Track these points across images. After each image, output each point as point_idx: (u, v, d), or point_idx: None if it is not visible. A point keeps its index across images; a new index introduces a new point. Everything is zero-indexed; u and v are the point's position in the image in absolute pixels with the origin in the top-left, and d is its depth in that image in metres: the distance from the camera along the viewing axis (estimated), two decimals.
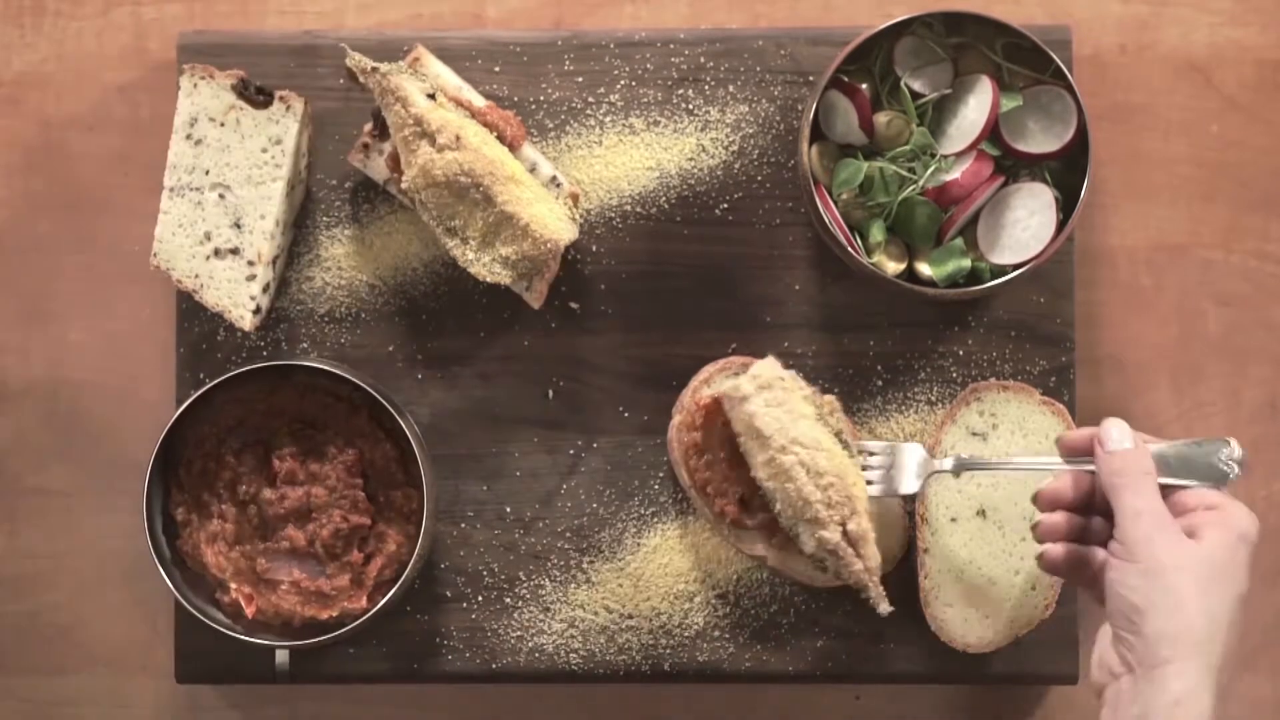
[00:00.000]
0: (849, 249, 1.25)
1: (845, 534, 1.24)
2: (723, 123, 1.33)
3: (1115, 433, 1.14)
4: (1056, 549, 1.17)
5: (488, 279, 1.29)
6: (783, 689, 1.35)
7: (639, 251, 1.33)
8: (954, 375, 1.33)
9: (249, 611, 1.27)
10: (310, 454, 1.28)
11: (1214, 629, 1.06)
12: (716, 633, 1.32)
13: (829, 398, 1.27)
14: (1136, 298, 1.35)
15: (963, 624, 1.28)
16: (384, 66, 1.26)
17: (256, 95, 1.28)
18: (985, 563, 1.28)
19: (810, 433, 1.24)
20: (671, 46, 1.33)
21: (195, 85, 1.28)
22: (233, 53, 1.32)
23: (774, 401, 1.24)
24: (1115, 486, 1.12)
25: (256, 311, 1.28)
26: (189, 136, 1.28)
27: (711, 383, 1.29)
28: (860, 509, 1.24)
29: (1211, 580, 1.08)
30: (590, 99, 1.33)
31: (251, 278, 1.27)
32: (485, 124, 1.26)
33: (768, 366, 1.26)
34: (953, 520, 1.29)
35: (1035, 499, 1.18)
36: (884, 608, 1.26)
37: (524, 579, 1.32)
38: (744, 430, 1.25)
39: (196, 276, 1.28)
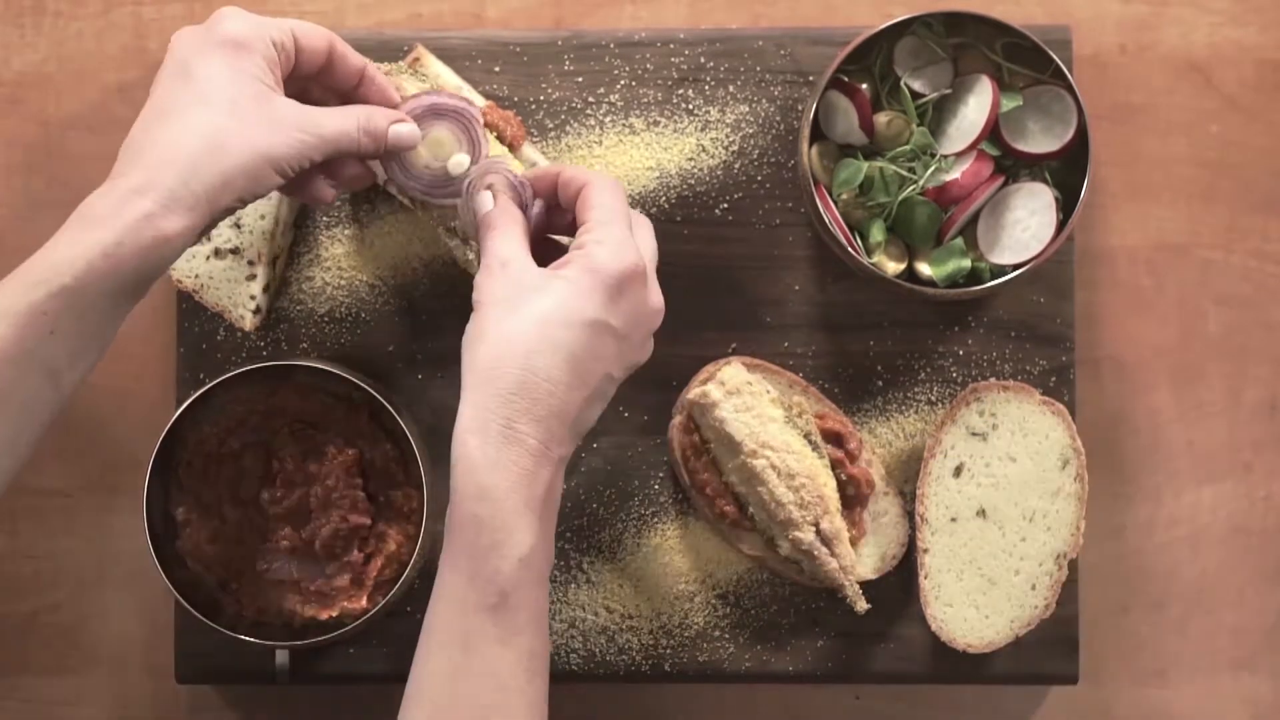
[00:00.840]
0: (849, 249, 1.25)
1: (819, 533, 1.25)
2: (723, 123, 1.33)
3: (478, 203, 1.17)
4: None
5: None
6: (783, 689, 1.35)
7: None
8: (954, 375, 1.33)
9: (249, 611, 1.27)
10: (310, 454, 1.28)
11: (506, 355, 1.08)
12: (716, 633, 1.32)
13: (797, 399, 1.27)
14: (1136, 298, 1.35)
15: (963, 624, 1.28)
16: (384, 67, 1.26)
17: None
18: (985, 563, 1.28)
19: (780, 436, 1.25)
20: (671, 46, 1.33)
21: None
22: None
23: (742, 407, 1.25)
24: (479, 252, 1.15)
25: (256, 311, 1.28)
26: None
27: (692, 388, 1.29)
28: (833, 509, 1.25)
29: (528, 309, 1.09)
30: (590, 99, 1.33)
31: (251, 278, 1.27)
32: (485, 124, 1.26)
33: (734, 372, 1.26)
34: (953, 520, 1.29)
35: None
36: (861, 606, 1.27)
37: None
38: (714, 436, 1.26)
39: (196, 276, 1.28)
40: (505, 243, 1.14)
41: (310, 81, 1.20)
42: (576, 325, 1.09)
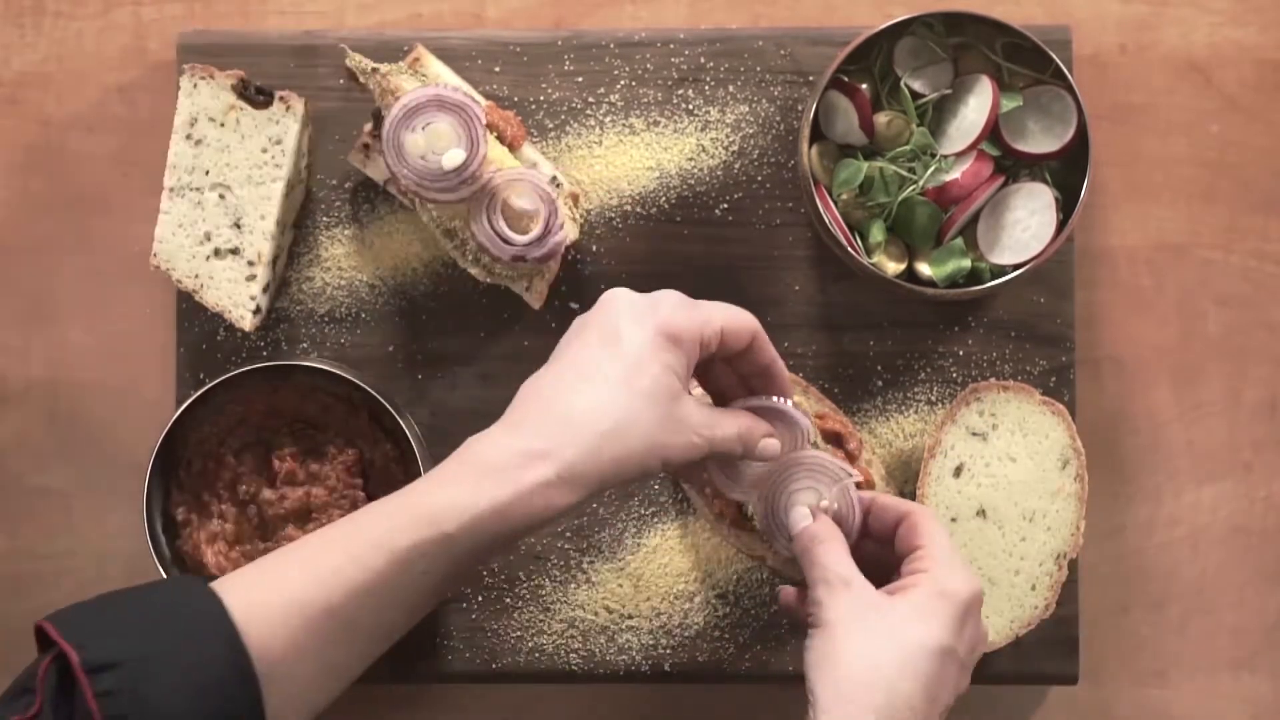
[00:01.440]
0: (849, 249, 1.25)
1: None
2: (723, 123, 1.33)
3: (794, 516, 1.16)
4: (790, 591, 1.19)
5: (488, 280, 1.29)
6: (783, 689, 1.35)
7: (639, 251, 1.33)
8: (954, 375, 1.33)
9: None
10: (310, 454, 1.28)
11: (872, 678, 1.07)
12: (716, 633, 1.32)
13: (798, 399, 1.28)
14: (1136, 298, 1.35)
15: None
16: (384, 67, 1.26)
17: (256, 95, 1.28)
18: (985, 563, 1.28)
19: None
20: (671, 46, 1.33)
21: (195, 85, 1.28)
22: (233, 53, 1.32)
23: None
24: (805, 563, 1.14)
25: (256, 311, 1.28)
26: (189, 136, 1.28)
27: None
28: None
29: (882, 632, 1.08)
30: (590, 99, 1.33)
31: (251, 278, 1.27)
32: (486, 124, 1.26)
33: None
34: (953, 520, 1.29)
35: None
36: None
37: (524, 579, 1.32)
38: None
39: (196, 276, 1.28)
40: (841, 560, 1.13)
41: (719, 362, 1.17)
42: (934, 651, 1.08)
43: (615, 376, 1.07)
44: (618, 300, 1.11)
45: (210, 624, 1.03)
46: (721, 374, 1.16)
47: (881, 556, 1.17)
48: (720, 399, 1.18)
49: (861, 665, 1.08)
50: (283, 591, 1.04)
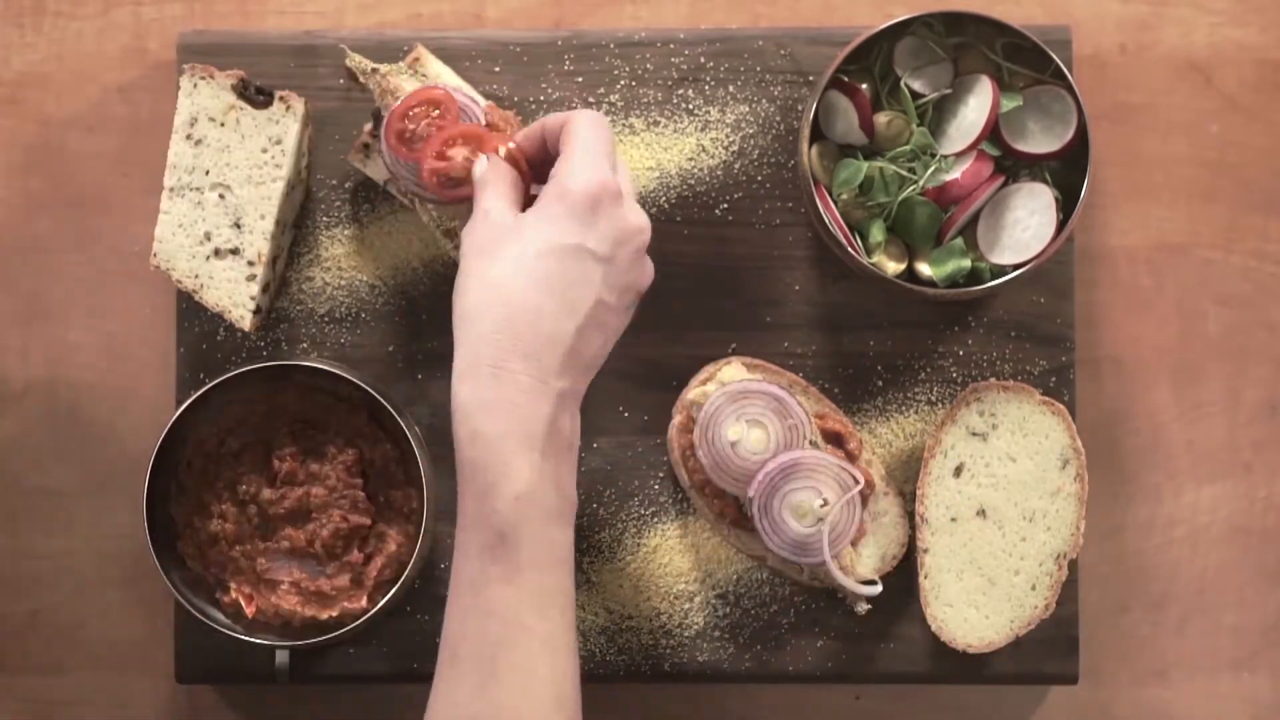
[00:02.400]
0: (849, 249, 1.25)
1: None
2: (723, 123, 1.33)
3: (475, 166, 1.16)
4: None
5: None
6: (783, 689, 1.35)
7: None
8: (954, 375, 1.33)
9: (249, 611, 1.27)
10: (310, 454, 1.28)
11: (487, 298, 1.08)
12: (716, 633, 1.32)
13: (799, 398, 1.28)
14: (1136, 298, 1.35)
15: (963, 624, 1.28)
16: (384, 67, 1.26)
17: (256, 95, 1.28)
18: (985, 563, 1.28)
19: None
20: (671, 46, 1.33)
21: (195, 85, 1.28)
22: (233, 53, 1.32)
23: None
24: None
25: (256, 311, 1.28)
26: (189, 136, 1.28)
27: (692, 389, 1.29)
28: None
29: (503, 250, 1.09)
30: (590, 99, 1.33)
31: (251, 278, 1.27)
32: (486, 124, 1.26)
33: (734, 372, 1.26)
34: (953, 520, 1.29)
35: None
36: (861, 607, 1.27)
37: None
38: None
39: (196, 276, 1.28)
40: (490, 197, 1.14)
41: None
42: (551, 253, 1.09)
43: None
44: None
45: None
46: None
47: None
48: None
49: (480, 288, 1.09)
50: None
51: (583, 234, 1.09)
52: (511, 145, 1.18)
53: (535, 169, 1.18)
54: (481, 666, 1.06)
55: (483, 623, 1.07)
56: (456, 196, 1.21)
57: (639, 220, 1.13)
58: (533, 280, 1.08)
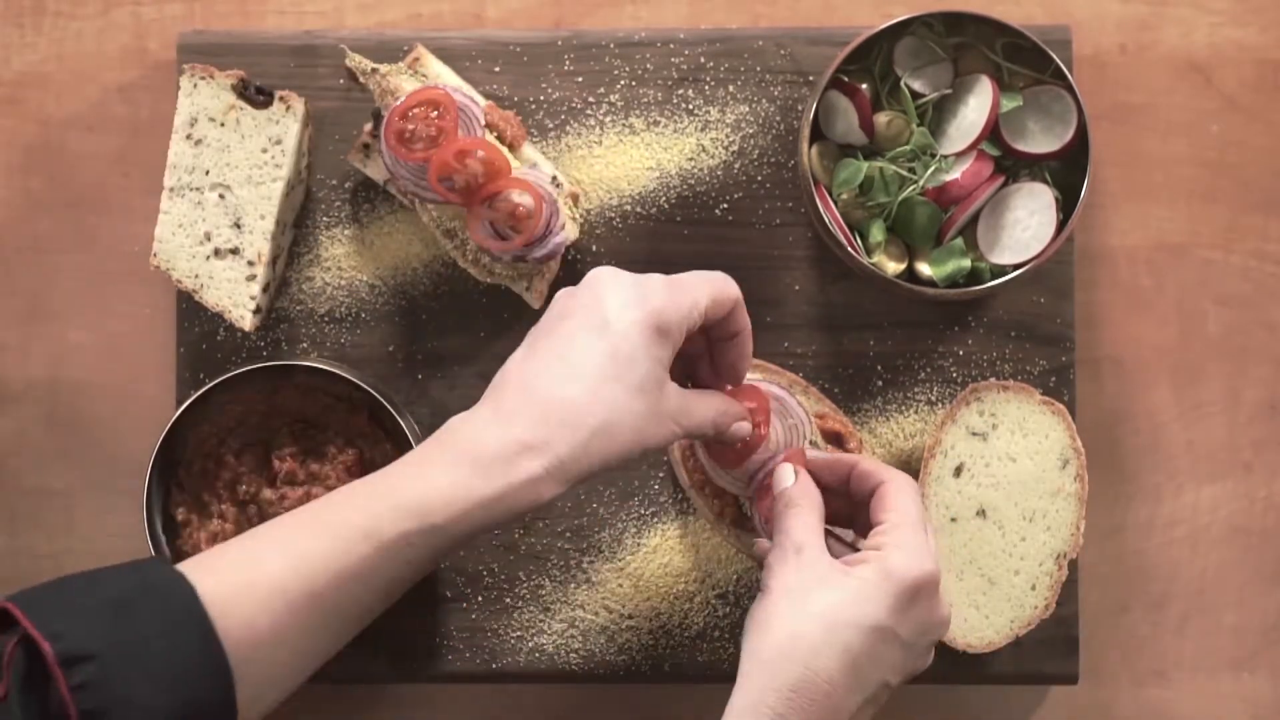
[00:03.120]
0: (849, 249, 1.25)
1: None
2: (723, 123, 1.33)
3: (779, 475, 1.16)
4: (764, 544, 1.20)
5: (488, 280, 1.29)
6: None
7: (639, 251, 1.33)
8: (954, 375, 1.33)
9: None
10: (310, 454, 1.28)
11: (791, 650, 1.06)
12: (716, 633, 1.32)
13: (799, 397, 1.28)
14: (1136, 298, 1.35)
15: (963, 624, 1.28)
16: (384, 67, 1.26)
17: (256, 95, 1.28)
18: (985, 563, 1.28)
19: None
20: (671, 46, 1.33)
21: (195, 85, 1.28)
22: (233, 53, 1.32)
23: None
24: (774, 527, 1.14)
25: (256, 311, 1.28)
26: (189, 136, 1.28)
27: None
28: None
29: (817, 604, 1.07)
30: (590, 99, 1.33)
31: (251, 278, 1.27)
32: (486, 124, 1.26)
33: None
34: (953, 520, 1.29)
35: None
36: None
37: (524, 579, 1.32)
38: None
39: (196, 276, 1.28)
40: (802, 528, 1.12)
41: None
42: (865, 629, 1.07)
43: (606, 371, 1.06)
44: (604, 283, 1.09)
45: (183, 612, 1.02)
46: (693, 340, 1.15)
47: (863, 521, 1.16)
48: (687, 362, 1.17)
49: (786, 636, 1.07)
50: (261, 576, 1.04)
51: (897, 619, 1.08)
52: (803, 467, 1.17)
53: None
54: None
55: None
56: (458, 199, 1.21)
57: (946, 614, 1.13)
58: (839, 651, 1.06)
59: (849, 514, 1.18)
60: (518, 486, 1.05)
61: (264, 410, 1.29)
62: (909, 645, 1.10)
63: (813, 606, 1.07)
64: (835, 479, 1.18)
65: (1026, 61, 1.27)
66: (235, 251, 1.27)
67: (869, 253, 1.26)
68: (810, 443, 1.25)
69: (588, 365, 1.06)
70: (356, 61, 1.27)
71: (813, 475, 1.17)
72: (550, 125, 1.33)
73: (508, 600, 1.32)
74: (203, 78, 1.27)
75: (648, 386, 1.07)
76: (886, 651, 1.08)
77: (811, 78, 1.33)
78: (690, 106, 1.33)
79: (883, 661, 1.08)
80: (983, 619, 1.28)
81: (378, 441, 1.28)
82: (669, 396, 1.09)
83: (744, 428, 1.15)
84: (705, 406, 1.12)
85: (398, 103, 1.23)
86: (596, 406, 1.06)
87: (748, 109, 1.33)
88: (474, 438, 1.06)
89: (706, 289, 1.11)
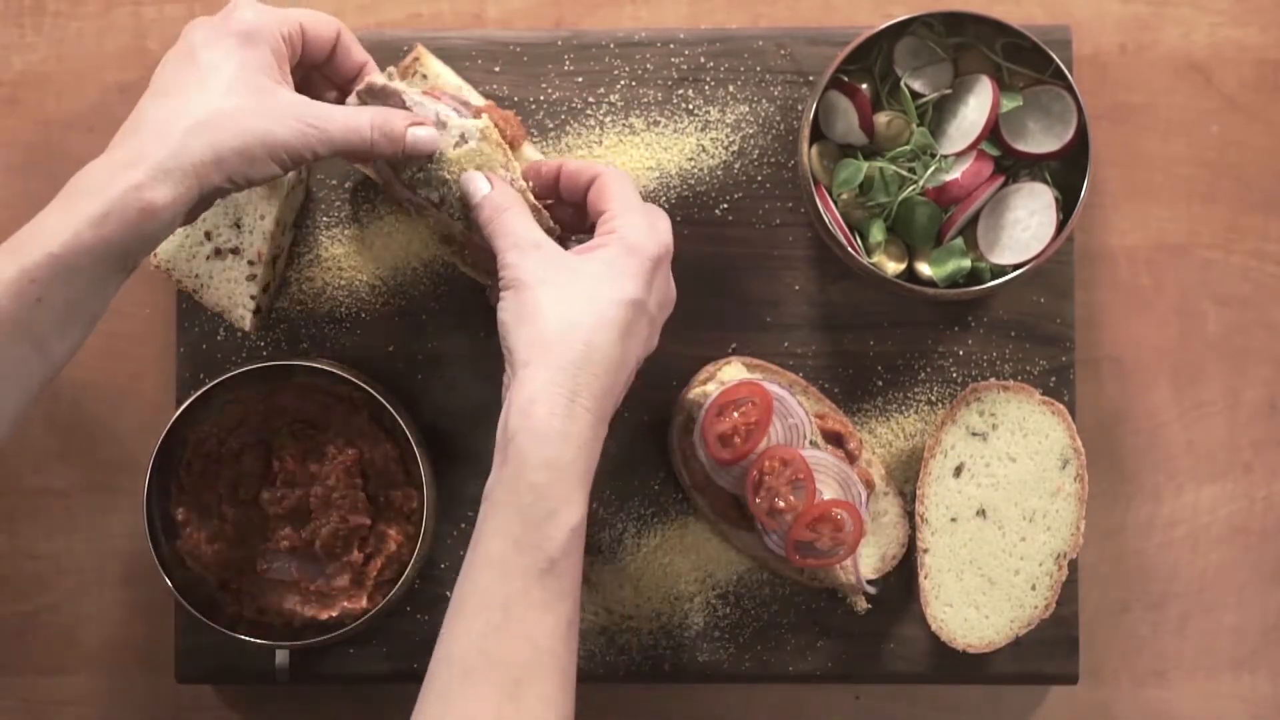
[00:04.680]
0: (849, 249, 1.25)
1: None
2: (723, 123, 1.33)
3: (471, 187, 1.18)
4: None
5: (488, 283, 1.29)
6: (783, 689, 1.35)
7: None
8: (954, 375, 1.33)
9: (249, 611, 1.27)
10: (310, 454, 1.28)
11: (568, 331, 1.10)
12: (716, 633, 1.32)
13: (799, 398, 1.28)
14: (1136, 298, 1.35)
15: (963, 624, 1.28)
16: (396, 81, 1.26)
17: None
18: (985, 563, 1.28)
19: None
20: (671, 46, 1.33)
21: None
22: None
23: None
24: (491, 233, 1.16)
25: (257, 312, 1.28)
26: None
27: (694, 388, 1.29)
28: None
29: (575, 288, 1.12)
30: (590, 99, 1.33)
31: (252, 278, 1.27)
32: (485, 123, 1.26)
33: (734, 372, 1.27)
34: (953, 520, 1.29)
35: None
36: (861, 606, 1.27)
37: None
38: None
39: (196, 276, 1.28)
40: (526, 224, 1.16)
41: (314, 72, 1.22)
42: (625, 304, 1.12)
43: (196, 83, 1.12)
44: (192, 25, 1.16)
45: None
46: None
47: (576, 222, 1.21)
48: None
49: (558, 320, 1.11)
50: None
51: (645, 293, 1.14)
52: (518, 175, 1.20)
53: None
54: (503, 689, 1.06)
55: (511, 645, 1.07)
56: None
57: (674, 292, 1.19)
58: (609, 326, 1.12)
59: (567, 217, 1.22)
60: (120, 197, 1.08)
61: (264, 410, 1.29)
62: (654, 320, 1.16)
63: (576, 289, 1.12)
64: (545, 186, 1.22)
65: (1026, 61, 1.27)
66: (235, 251, 1.27)
67: (869, 253, 1.26)
68: (810, 443, 1.25)
69: (176, 83, 1.13)
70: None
71: (537, 187, 1.21)
72: (550, 125, 1.33)
73: None
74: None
75: (242, 87, 1.12)
76: (642, 325, 1.14)
77: (811, 78, 1.33)
78: (690, 106, 1.33)
79: (639, 334, 1.14)
80: (983, 619, 1.28)
81: (378, 441, 1.28)
82: (284, 96, 1.14)
83: (425, 134, 1.18)
84: (354, 113, 1.16)
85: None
86: (183, 111, 1.10)
87: (748, 109, 1.33)
88: (81, 177, 1.10)
89: (299, 10, 1.19)
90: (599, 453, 1.12)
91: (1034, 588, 1.28)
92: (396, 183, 1.24)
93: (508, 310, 1.13)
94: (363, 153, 1.17)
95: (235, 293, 1.27)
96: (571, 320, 1.11)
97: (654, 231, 1.15)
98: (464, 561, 1.10)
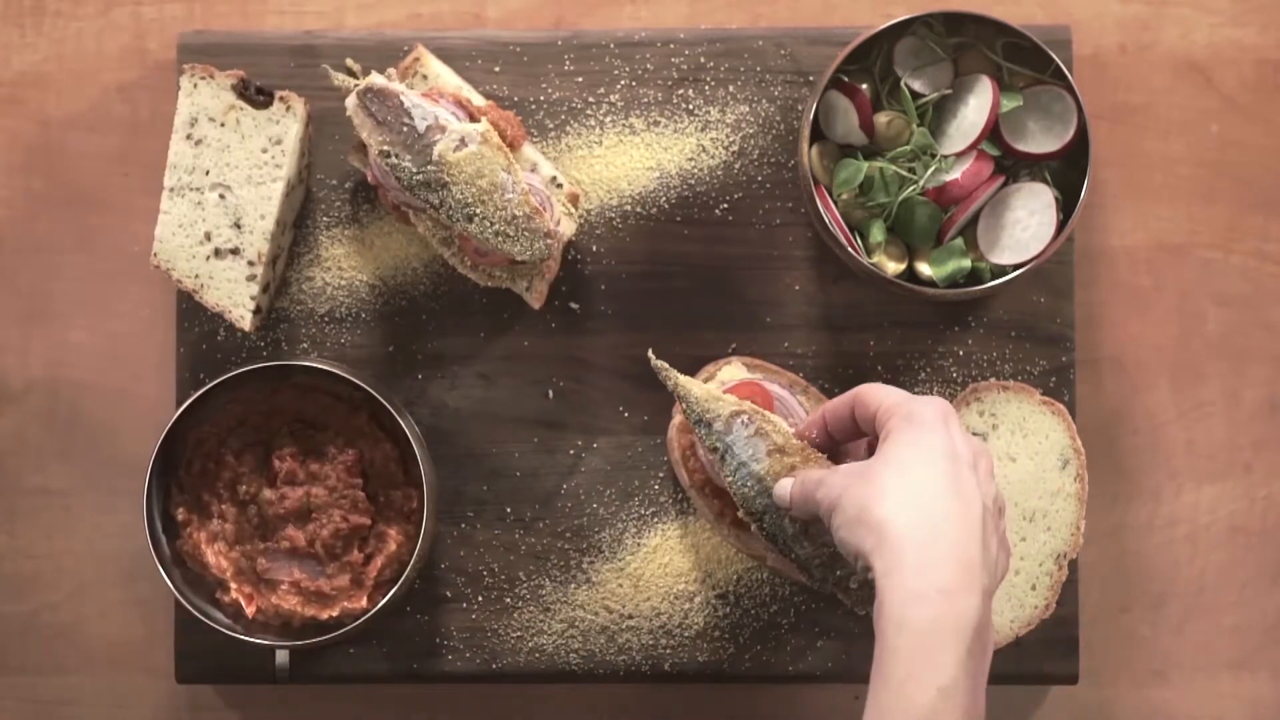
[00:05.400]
0: (849, 249, 1.25)
1: None
2: (723, 123, 1.33)
3: (777, 489, 1.16)
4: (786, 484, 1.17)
5: (487, 283, 1.29)
6: (783, 689, 1.35)
7: (639, 251, 1.33)
8: (954, 375, 1.33)
9: (249, 611, 1.27)
10: (310, 454, 1.28)
11: (910, 504, 1.05)
12: (716, 633, 1.32)
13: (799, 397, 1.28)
14: (1136, 298, 1.35)
15: None
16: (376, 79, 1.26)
17: (256, 95, 1.28)
18: None
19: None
20: (671, 46, 1.33)
21: (195, 85, 1.28)
22: (233, 53, 1.32)
23: None
24: (808, 505, 1.13)
25: (257, 311, 1.28)
26: (189, 136, 1.28)
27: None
28: None
29: (890, 472, 1.06)
30: (590, 99, 1.33)
31: (252, 278, 1.27)
32: (485, 122, 1.26)
33: (734, 372, 1.27)
34: None
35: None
36: (861, 607, 1.27)
37: (524, 579, 1.32)
38: None
39: (197, 276, 1.28)
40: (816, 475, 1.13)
41: None
42: (936, 455, 1.07)
43: None
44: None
45: None
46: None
47: None
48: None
49: (890, 499, 1.05)
50: None
51: (947, 439, 1.08)
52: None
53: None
54: None
55: None
56: None
57: (984, 444, 1.13)
58: (932, 483, 1.05)
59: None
60: None
61: (264, 410, 1.29)
62: (975, 466, 1.08)
63: (891, 474, 1.06)
64: (839, 421, 1.17)
65: (1026, 61, 1.27)
66: (235, 251, 1.27)
67: (869, 253, 1.26)
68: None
69: None
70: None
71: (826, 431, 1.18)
72: (550, 125, 1.33)
73: (508, 600, 1.32)
74: (203, 78, 1.27)
75: None
76: (964, 473, 1.06)
77: (811, 78, 1.33)
78: (690, 106, 1.33)
79: (965, 481, 1.06)
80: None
81: (378, 441, 1.28)
82: None
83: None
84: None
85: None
86: None
87: (748, 109, 1.33)
88: None
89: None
90: (987, 607, 1.04)
91: (1034, 588, 1.28)
92: (395, 186, 1.24)
93: (841, 526, 1.07)
94: None
95: (235, 293, 1.27)
96: (899, 494, 1.05)
97: (927, 398, 1.11)
98: None
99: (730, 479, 1.21)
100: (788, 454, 1.20)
